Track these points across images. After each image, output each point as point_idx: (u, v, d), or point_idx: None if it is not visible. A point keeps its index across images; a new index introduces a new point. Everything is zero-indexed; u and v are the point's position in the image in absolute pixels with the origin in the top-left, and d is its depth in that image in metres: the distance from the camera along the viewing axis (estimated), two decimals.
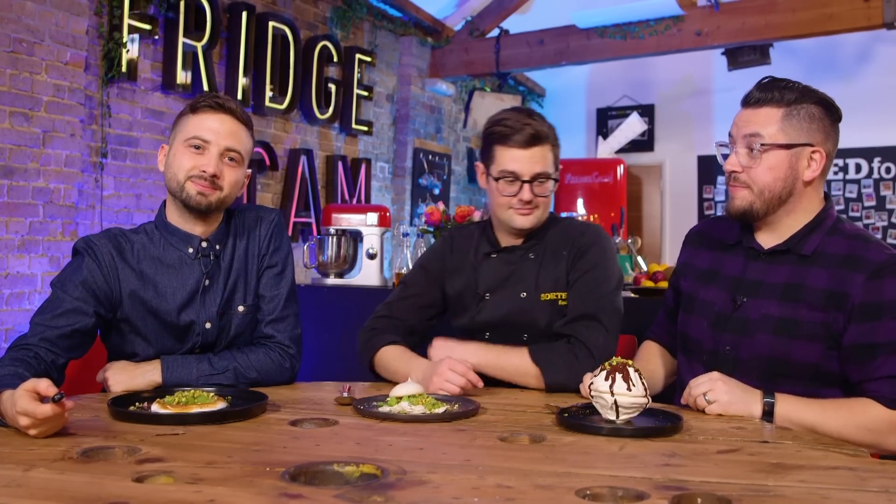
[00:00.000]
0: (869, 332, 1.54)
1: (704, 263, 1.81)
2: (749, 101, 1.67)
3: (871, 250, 1.59)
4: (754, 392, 1.54)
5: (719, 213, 1.82)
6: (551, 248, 1.95)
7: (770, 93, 1.64)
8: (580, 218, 4.12)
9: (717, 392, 1.52)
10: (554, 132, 1.91)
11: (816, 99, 1.64)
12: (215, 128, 1.76)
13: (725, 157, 1.73)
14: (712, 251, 1.81)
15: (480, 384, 1.69)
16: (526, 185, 1.86)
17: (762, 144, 1.62)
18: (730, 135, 1.71)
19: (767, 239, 1.71)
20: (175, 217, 1.83)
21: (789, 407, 1.51)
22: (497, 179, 1.89)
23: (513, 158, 1.86)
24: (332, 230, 3.62)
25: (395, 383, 1.71)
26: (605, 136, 7.18)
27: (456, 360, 1.69)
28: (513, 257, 1.96)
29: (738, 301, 1.68)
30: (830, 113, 1.65)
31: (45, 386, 1.26)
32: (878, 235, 7.86)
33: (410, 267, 3.46)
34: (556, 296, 1.90)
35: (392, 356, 1.88)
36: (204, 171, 1.74)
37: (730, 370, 1.65)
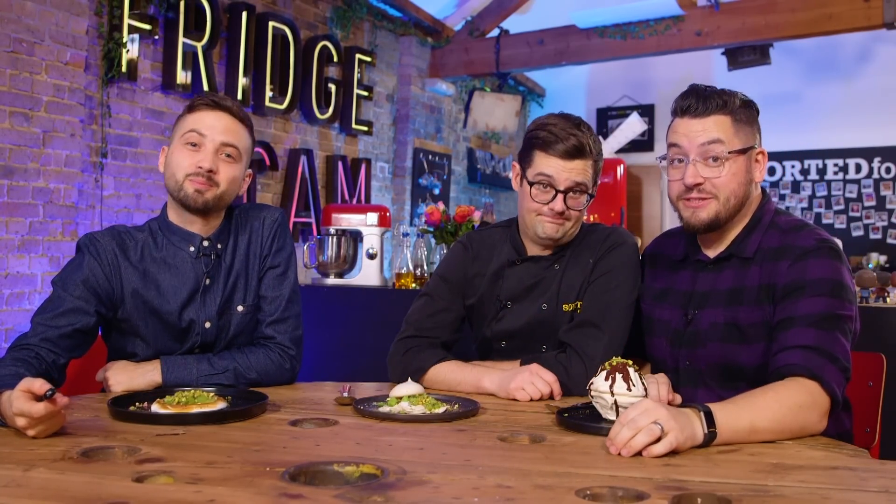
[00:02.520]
0: (789, 308, 1.52)
1: (659, 283, 1.80)
2: (692, 111, 1.62)
3: (800, 238, 1.58)
4: (689, 412, 1.29)
5: None
6: (576, 256, 1.90)
7: (711, 101, 1.61)
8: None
9: (664, 419, 1.22)
10: (599, 146, 1.85)
11: (744, 101, 1.65)
12: (211, 123, 1.76)
13: (664, 167, 1.69)
14: (665, 270, 1.81)
15: (559, 396, 1.69)
16: (560, 196, 1.80)
17: (729, 152, 1.60)
18: (674, 146, 1.65)
19: (713, 248, 1.70)
20: (175, 216, 1.83)
21: (727, 415, 1.30)
22: (532, 184, 1.82)
23: (551, 166, 1.80)
24: (332, 230, 3.62)
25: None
26: (605, 136, 7.18)
27: (543, 369, 1.70)
28: (537, 268, 1.91)
29: (690, 315, 1.68)
30: (755, 111, 1.67)
31: (39, 385, 1.26)
32: (878, 235, 7.86)
33: (410, 268, 3.46)
34: (576, 305, 1.86)
35: (450, 370, 1.81)
36: (200, 167, 1.73)
37: (693, 384, 1.66)
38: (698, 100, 1.62)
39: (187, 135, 1.76)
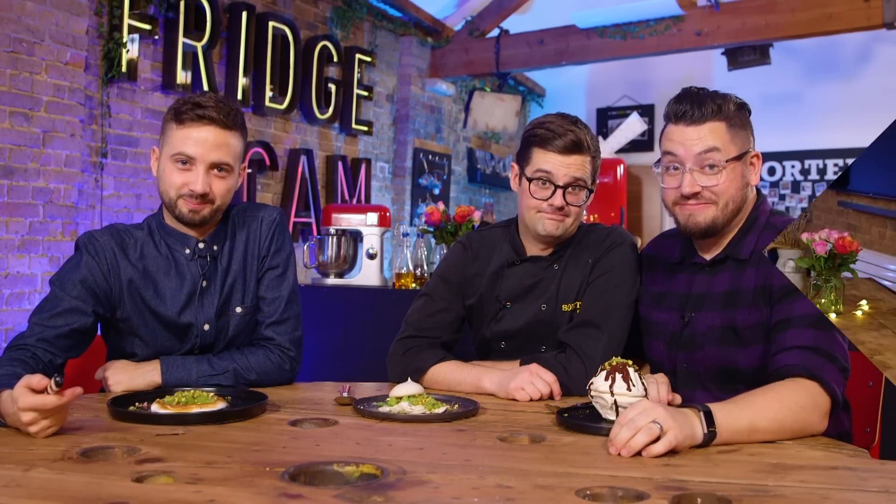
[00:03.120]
0: (786, 309, 1.52)
1: (656, 286, 1.80)
2: (687, 117, 1.60)
3: None
4: (689, 412, 1.29)
5: None
6: (575, 256, 1.90)
7: (707, 106, 1.59)
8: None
9: (663, 418, 1.22)
10: (596, 143, 1.85)
11: (738, 104, 1.64)
12: (199, 139, 1.71)
13: (659, 174, 1.67)
14: (662, 272, 1.80)
15: (558, 396, 1.69)
16: (559, 191, 1.80)
17: (727, 160, 1.59)
18: (669, 153, 1.63)
19: (710, 250, 1.69)
20: (170, 220, 1.82)
21: (726, 414, 1.30)
22: (531, 180, 1.83)
23: (550, 161, 1.81)
24: (332, 230, 3.62)
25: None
26: (606, 137, 7.18)
27: (543, 369, 1.70)
28: (537, 268, 1.91)
29: (687, 317, 1.68)
30: (748, 113, 1.66)
31: (37, 381, 1.26)
32: None
33: (410, 268, 3.46)
34: (576, 305, 1.86)
35: (450, 370, 1.81)
36: (192, 190, 1.72)
37: (691, 386, 1.66)
38: (693, 106, 1.60)
39: (176, 155, 1.72)
